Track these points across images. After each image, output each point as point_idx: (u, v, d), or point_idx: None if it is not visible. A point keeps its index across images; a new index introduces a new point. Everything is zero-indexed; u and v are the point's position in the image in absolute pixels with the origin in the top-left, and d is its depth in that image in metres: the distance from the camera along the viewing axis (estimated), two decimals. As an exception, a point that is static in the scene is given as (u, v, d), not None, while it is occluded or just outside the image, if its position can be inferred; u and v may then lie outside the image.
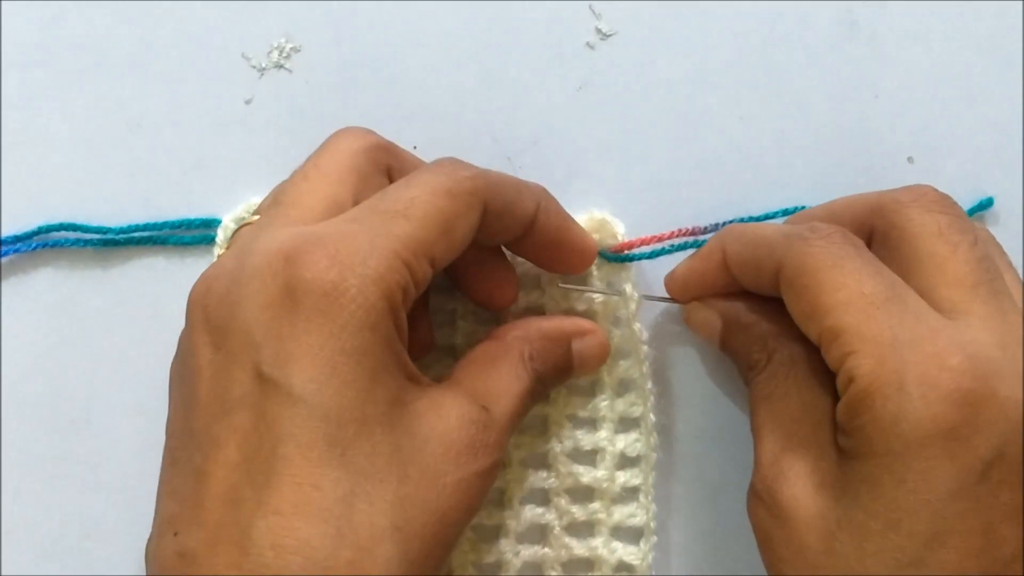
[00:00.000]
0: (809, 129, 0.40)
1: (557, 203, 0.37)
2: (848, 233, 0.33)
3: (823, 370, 0.33)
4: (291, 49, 0.40)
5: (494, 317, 0.39)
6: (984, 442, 0.30)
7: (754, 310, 0.36)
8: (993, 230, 0.40)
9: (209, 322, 0.32)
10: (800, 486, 0.32)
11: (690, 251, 0.39)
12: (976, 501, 0.30)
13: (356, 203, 0.33)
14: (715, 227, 0.40)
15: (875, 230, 0.34)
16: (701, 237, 0.40)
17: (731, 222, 0.39)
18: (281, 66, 0.40)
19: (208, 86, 0.40)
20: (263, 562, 0.29)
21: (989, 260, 0.33)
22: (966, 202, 0.40)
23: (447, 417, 0.32)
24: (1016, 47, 0.40)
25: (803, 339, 0.33)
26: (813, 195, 0.40)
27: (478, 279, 0.37)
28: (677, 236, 0.40)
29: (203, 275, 0.33)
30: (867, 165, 0.40)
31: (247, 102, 0.40)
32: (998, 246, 0.36)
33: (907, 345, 0.30)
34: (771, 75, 0.40)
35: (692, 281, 0.38)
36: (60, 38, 0.40)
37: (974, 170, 0.40)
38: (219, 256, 0.35)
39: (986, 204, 0.40)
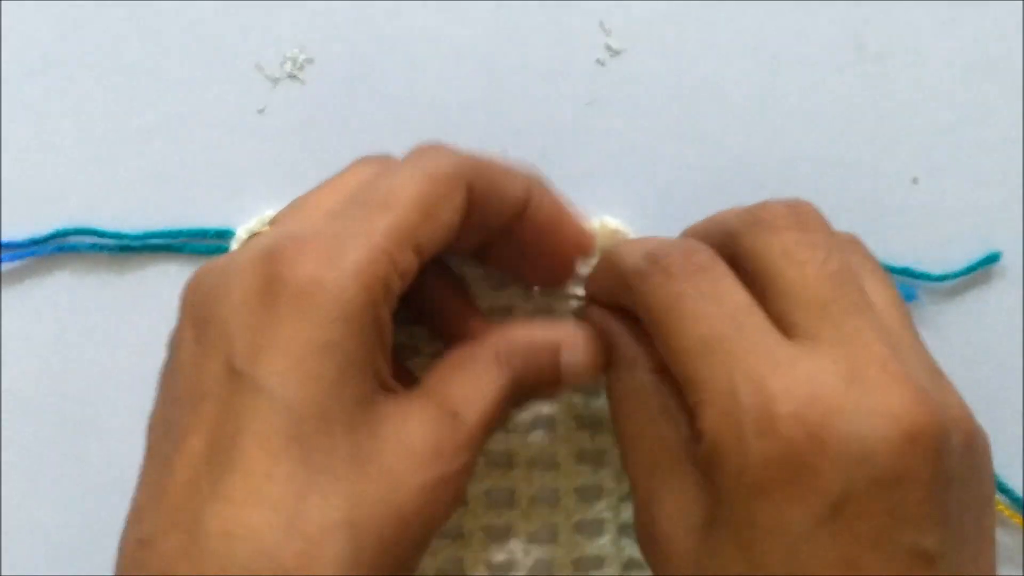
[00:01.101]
0: (815, 148, 0.41)
1: (553, 193, 0.36)
2: (692, 253, 0.32)
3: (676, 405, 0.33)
4: (304, 60, 0.40)
5: None
6: (828, 483, 0.29)
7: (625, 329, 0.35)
8: (999, 282, 0.41)
9: (194, 316, 0.32)
10: (671, 526, 0.31)
11: None
12: (832, 537, 0.29)
13: None
14: None
15: (734, 253, 0.32)
16: None
17: None
18: (294, 77, 0.41)
19: (222, 95, 0.40)
20: (211, 548, 0.29)
21: (844, 274, 0.31)
22: (980, 227, 0.40)
23: (412, 420, 0.32)
24: (1022, 69, 0.41)
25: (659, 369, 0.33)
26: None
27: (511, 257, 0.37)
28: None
29: (196, 271, 0.33)
30: (872, 185, 0.40)
31: (260, 112, 0.41)
32: (862, 250, 0.34)
33: (745, 389, 0.29)
34: (778, 95, 0.41)
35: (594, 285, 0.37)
36: (77, 45, 0.40)
37: (979, 192, 0.41)
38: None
39: (994, 258, 0.41)
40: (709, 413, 0.30)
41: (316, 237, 0.31)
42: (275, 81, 0.41)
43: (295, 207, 0.34)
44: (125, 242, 0.40)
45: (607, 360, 0.36)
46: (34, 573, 0.40)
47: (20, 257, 0.40)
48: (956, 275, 0.40)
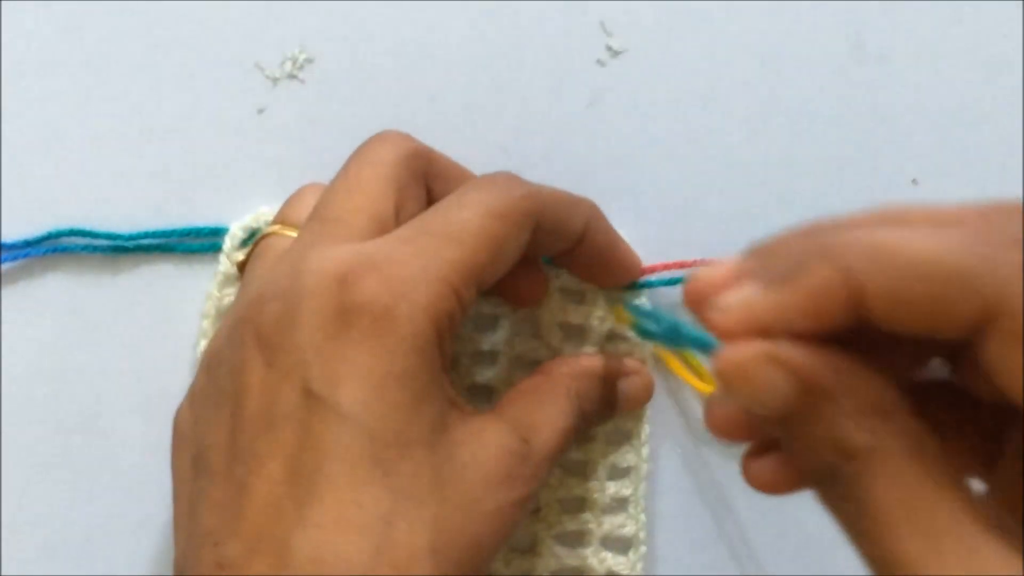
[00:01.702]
0: (816, 149, 0.40)
1: (606, 220, 0.37)
2: None
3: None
4: (304, 60, 0.40)
5: (533, 360, 0.39)
6: None
7: (850, 368, 0.25)
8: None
9: (261, 339, 0.32)
10: None
11: None
12: None
13: (397, 215, 0.34)
14: None
15: None
16: None
17: None
18: (294, 76, 0.40)
19: (221, 95, 0.40)
20: (301, 573, 0.29)
21: None
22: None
23: (487, 445, 0.32)
24: (1022, 70, 0.41)
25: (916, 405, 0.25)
26: (817, 214, 0.40)
27: (505, 276, 0.36)
28: (698, 265, 0.39)
29: (257, 293, 0.33)
30: (871, 185, 0.40)
31: (260, 111, 0.40)
32: None
33: None
34: (778, 96, 0.40)
35: (765, 318, 0.25)
36: (75, 45, 0.40)
37: (979, 193, 0.40)
38: (267, 271, 0.34)
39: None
40: None
41: (388, 265, 0.31)
42: (275, 81, 0.40)
43: (331, 209, 0.34)
44: (119, 242, 0.40)
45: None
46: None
47: (14, 258, 0.40)
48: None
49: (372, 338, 0.30)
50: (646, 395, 0.39)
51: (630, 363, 0.39)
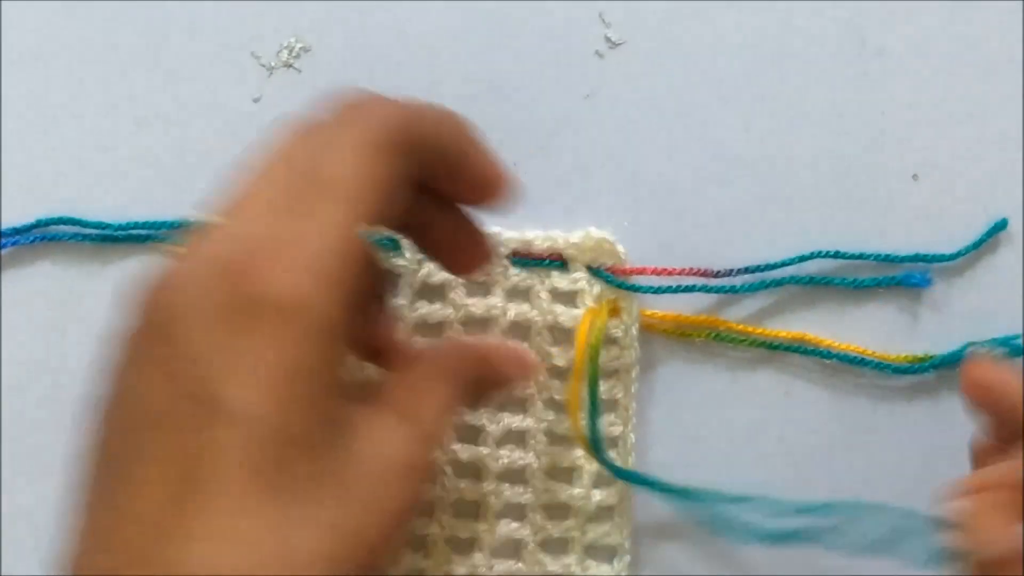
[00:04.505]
0: (815, 143, 0.40)
1: (473, 128, 0.33)
2: None
3: None
4: (301, 49, 0.40)
5: None
6: None
7: None
8: (1006, 250, 0.40)
9: (149, 334, 0.29)
10: None
11: (699, 294, 0.39)
12: None
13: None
14: (728, 272, 0.39)
15: None
16: (712, 282, 0.39)
17: (743, 269, 0.39)
18: (290, 66, 0.40)
19: (217, 84, 0.40)
20: None
21: None
22: (978, 222, 0.40)
23: (384, 440, 0.30)
24: (1022, 66, 0.40)
25: None
26: (817, 209, 0.40)
27: (439, 242, 0.35)
28: (688, 274, 0.39)
29: (146, 284, 0.30)
30: (872, 181, 0.40)
31: (255, 101, 0.40)
32: None
33: None
34: (778, 90, 0.40)
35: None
36: (66, 32, 0.40)
37: (980, 189, 0.40)
38: (167, 260, 0.32)
39: (1000, 226, 0.40)
40: None
41: (269, 243, 0.28)
42: (271, 70, 0.40)
43: (234, 196, 0.31)
44: (108, 232, 0.40)
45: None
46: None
47: (3, 246, 0.40)
48: (968, 250, 0.39)
49: (263, 331, 0.28)
50: (528, 374, 0.38)
51: (510, 343, 0.38)
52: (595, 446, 0.37)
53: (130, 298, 0.30)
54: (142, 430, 0.28)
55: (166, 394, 0.28)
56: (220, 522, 0.27)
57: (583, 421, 0.37)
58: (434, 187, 0.33)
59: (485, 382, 0.36)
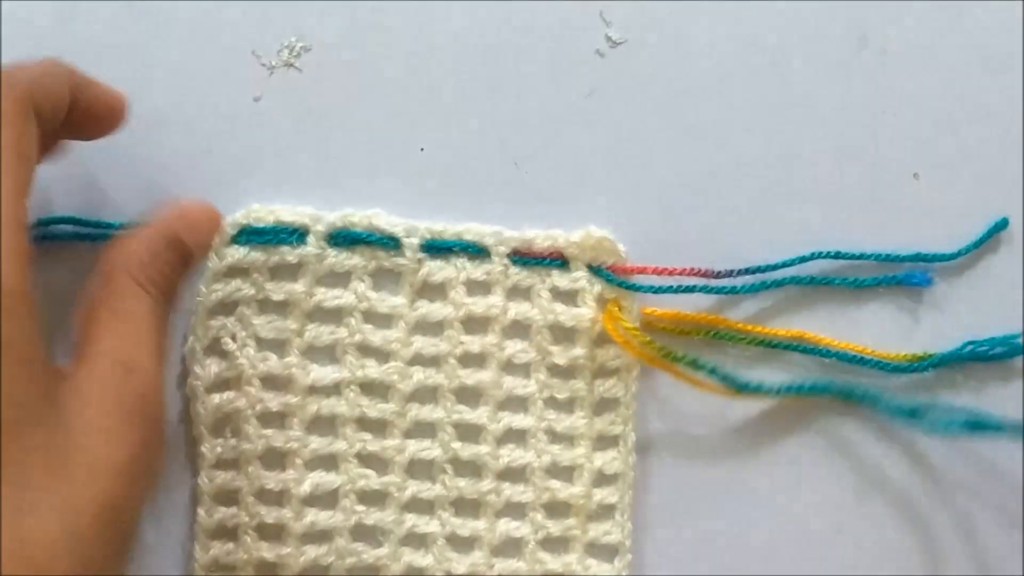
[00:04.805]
0: (815, 143, 0.40)
1: (78, 71, 0.34)
2: None
3: None
4: (301, 48, 0.40)
5: (524, 362, 0.39)
6: None
7: None
8: (1007, 250, 0.40)
9: None
10: None
11: (699, 294, 0.39)
12: None
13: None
14: (729, 273, 0.39)
15: None
16: (713, 283, 0.39)
17: (744, 270, 0.39)
18: (291, 65, 0.40)
19: (218, 83, 0.40)
20: None
21: None
22: (979, 222, 0.40)
23: (95, 398, 0.30)
24: (1022, 65, 0.40)
25: None
26: (818, 209, 0.40)
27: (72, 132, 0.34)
28: (689, 275, 0.39)
29: None
30: (873, 180, 0.40)
31: (256, 100, 0.40)
32: None
33: None
34: (779, 89, 0.40)
35: None
36: (69, 31, 0.40)
37: (980, 188, 0.40)
38: None
39: (1000, 226, 0.40)
40: None
41: None
42: (272, 69, 0.40)
43: None
44: (107, 232, 0.39)
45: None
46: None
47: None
48: (968, 249, 0.40)
49: None
50: (212, 225, 0.37)
51: (181, 207, 0.36)
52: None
53: None
54: None
55: None
56: None
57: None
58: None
59: (182, 260, 0.35)
